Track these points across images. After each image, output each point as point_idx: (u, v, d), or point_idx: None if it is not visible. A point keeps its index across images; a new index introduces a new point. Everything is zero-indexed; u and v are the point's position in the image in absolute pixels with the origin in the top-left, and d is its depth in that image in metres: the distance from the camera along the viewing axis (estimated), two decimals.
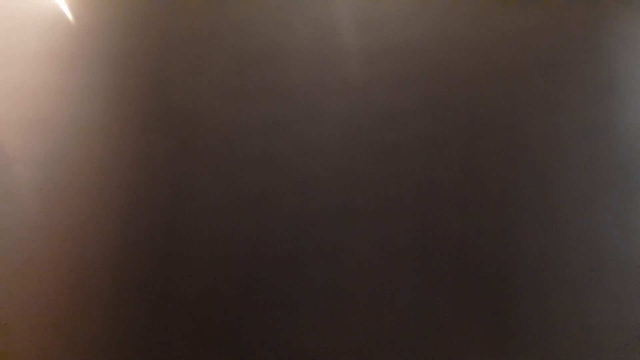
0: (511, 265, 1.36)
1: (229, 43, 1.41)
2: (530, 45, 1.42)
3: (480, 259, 1.36)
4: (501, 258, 1.36)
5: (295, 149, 1.40)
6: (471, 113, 1.43)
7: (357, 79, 1.42)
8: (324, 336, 1.30)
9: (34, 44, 1.37)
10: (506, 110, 1.42)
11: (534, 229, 1.38)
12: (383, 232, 1.37)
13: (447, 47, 1.43)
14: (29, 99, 1.38)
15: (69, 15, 1.34)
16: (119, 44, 1.40)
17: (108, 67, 1.41)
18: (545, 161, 1.41)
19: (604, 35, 1.46)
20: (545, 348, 1.29)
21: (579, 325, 1.31)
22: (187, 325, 1.27)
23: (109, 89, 1.40)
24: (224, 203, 1.36)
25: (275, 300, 1.30)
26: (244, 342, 1.26)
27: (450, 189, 1.40)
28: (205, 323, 1.27)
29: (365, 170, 1.39)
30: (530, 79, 1.43)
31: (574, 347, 1.30)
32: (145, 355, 1.26)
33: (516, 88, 1.44)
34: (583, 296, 1.33)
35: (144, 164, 1.38)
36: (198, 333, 1.27)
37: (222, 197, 1.35)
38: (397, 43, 1.39)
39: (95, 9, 1.34)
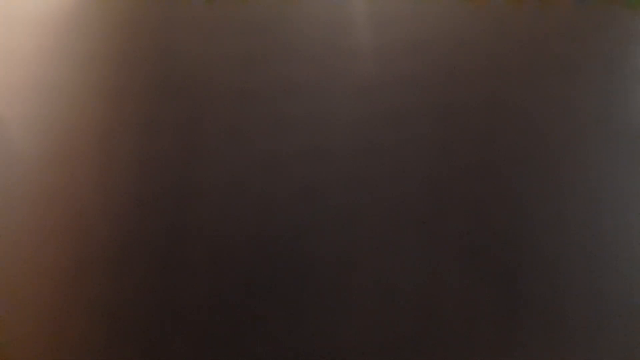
0: (526, 230, 1.36)
1: (240, 7, 1.41)
2: (552, 14, 1.42)
3: (495, 224, 1.36)
4: (516, 223, 1.36)
5: (308, 116, 1.39)
6: (488, 81, 1.43)
7: (373, 41, 1.42)
8: (335, 301, 1.30)
9: (32, 8, 1.37)
10: (524, 78, 1.42)
11: (549, 193, 1.38)
12: (396, 198, 1.37)
13: (466, 19, 1.43)
14: (25, 63, 1.38)
15: None
16: (126, 7, 1.39)
17: (113, 31, 1.40)
18: (563, 129, 1.41)
19: None
20: (557, 311, 1.30)
21: (591, 290, 1.31)
22: (193, 292, 1.28)
23: (114, 53, 1.40)
24: (235, 169, 1.35)
25: (288, 266, 1.31)
26: (254, 308, 1.26)
27: (466, 155, 1.39)
28: (213, 290, 1.28)
29: (380, 137, 1.39)
30: (549, 46, 1.42)
31: (586, 311, 1.30)
32: (150, 322, 1.27)
33: (535, 55, 1.44)
34: (597, 261, 1.33)
35: (151, 130, 1.38)
36: (205, 300, 1.27)
37: (233, 164, 1.35)
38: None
39: None
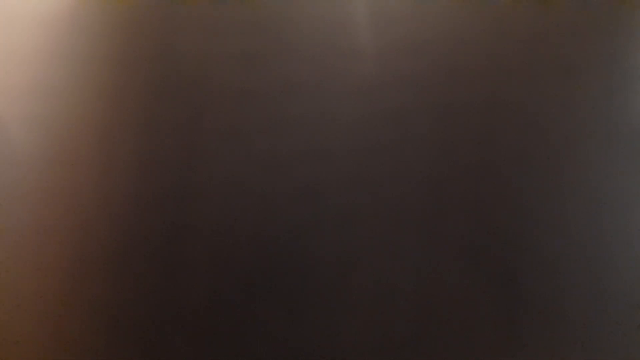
0: (526, 230, 1.36)
1: (240, 7, 1.41)
2: (553, 13, 1.42)
3: (495, 224, 1.36)
4: (516, 223, 1.36)
5: (308, 116, 1.39)
6: (488, 81, 1.43)
7: (373, 41, 1.41)
8: (335, 301, 1.30)
9: (32, 8, 1.37)
10: (524, 78, 1.42)
11: (549, 193, 1.38)
12: (396, 198, 1.37)
13: (466, 19, 1.42)
14: (25, 63, 1.38)
15: None
16: (126, 7, 1.39)
17: (114, 31, 1.40)
18: (564, 129, 1.41)
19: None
20: (557, 311, 1.29)
21: (592, 290, 1.31)
22: (193, 292, 1.28)
23: (114, 54, 1.40)
24: (235, 169, 1.35)
25: (288, 266, 1.31)
26: (254, 308, 1.26)
27: (466, 155, 1.40)
28: (213, 290, 1.28)
29: (380, 137, 1.39)
30: (549, 46, 1.42)
31: (586, 311, 1.30)
32: (150, 322, 1.27)
33: (535, 55, 1.44)
34: (597, 261, 1.33)
35: (151, 130, 1.38)
36: (205, 300, 1.27)
37: (233, 163, 1.34)
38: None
39: None
